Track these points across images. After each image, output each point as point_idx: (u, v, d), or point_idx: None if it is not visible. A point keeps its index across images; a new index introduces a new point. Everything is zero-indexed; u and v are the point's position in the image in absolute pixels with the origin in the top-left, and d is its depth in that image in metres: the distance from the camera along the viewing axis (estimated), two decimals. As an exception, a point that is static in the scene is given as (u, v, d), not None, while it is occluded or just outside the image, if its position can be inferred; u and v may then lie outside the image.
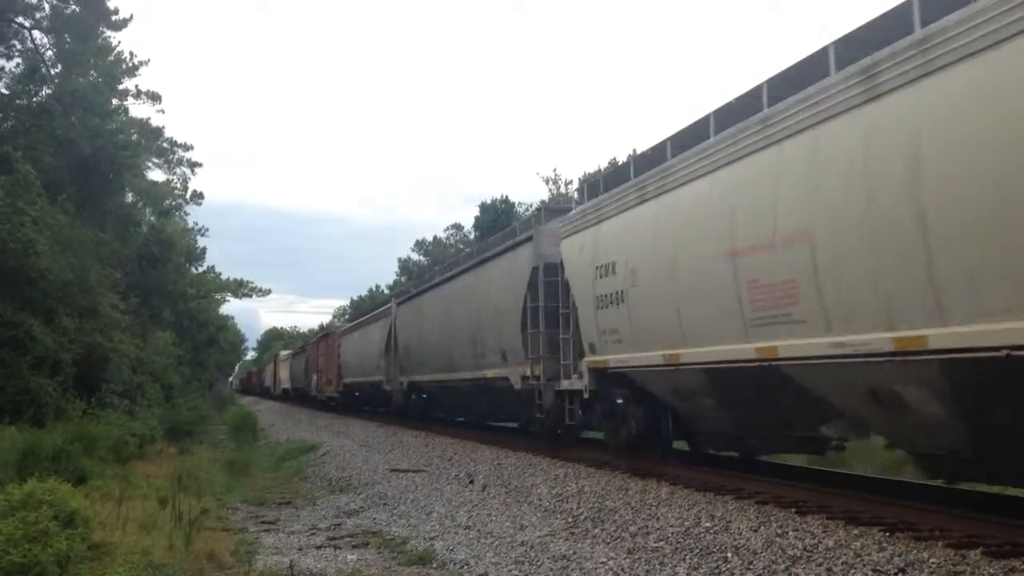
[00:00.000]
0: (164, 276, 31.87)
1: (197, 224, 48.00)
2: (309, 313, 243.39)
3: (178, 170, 40.95)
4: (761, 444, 10.67)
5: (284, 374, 60.37)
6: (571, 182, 44.27)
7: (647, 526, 8.31)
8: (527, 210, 43.86)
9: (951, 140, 6.11)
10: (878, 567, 5.95)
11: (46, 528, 6.51)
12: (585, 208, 12.70)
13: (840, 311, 7.23)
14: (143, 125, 35.91)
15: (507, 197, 48.15)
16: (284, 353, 65.74)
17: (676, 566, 6.98)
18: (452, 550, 8.39)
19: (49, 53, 27.41)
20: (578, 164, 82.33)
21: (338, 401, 36.91)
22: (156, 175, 40.43)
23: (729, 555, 6.96)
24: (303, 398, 49.08)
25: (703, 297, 9.17)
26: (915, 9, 6.64)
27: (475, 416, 22.37)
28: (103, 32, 28.77)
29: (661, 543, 7.70)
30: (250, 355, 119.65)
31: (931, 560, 5.89)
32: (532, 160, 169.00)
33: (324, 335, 43.25)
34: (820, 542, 6.71)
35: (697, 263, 9.26)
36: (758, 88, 8.70)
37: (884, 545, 6.39)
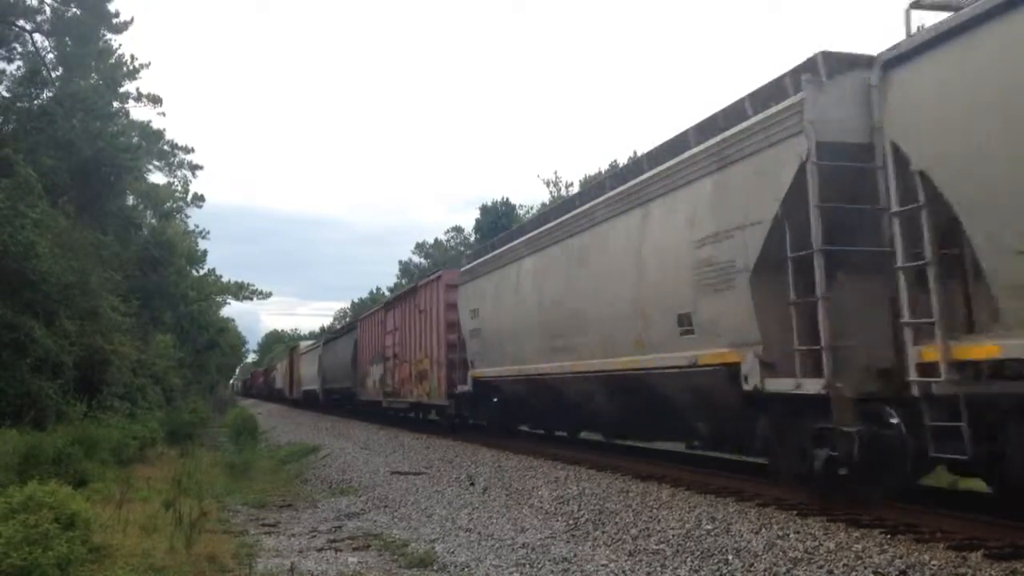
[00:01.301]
0: (165, 279, 31.93)
1: (198, 227, 48.11)
2: (309, 315, 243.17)
3: (179, 173, 41.09)
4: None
5: (308, 371, 45.24)
6: (572, 184, 44.30)
7: (648, 528, 8.31)
8: (528, 212, 43.82)
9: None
10: (879, 569, 5.95)
11: (47, 531, 6.51)
12: None
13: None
14: (144, 128, 36.00)
15: (508, 199, 48.21)
16: (306, 344, 52.46)
17: (677, 568, 6.97)
18: (453, 552, 8.38)
19: (50, 56, 27.56)
20: (579, 166, 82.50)
21: (452, 417, 19.61)
22: (157, 178, 40.55)
23: (730, 557, 6.95)
24: (340, 405, 35.57)
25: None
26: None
27: None
28: (104, 35, 28.92)
29: (662, 545, 7.70)
30: (251, 358, 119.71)
31: (932, 562, 5.88)
32: (533, 162, 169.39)
33: (407, 292, 24.25)
34: (821, 544, 6.71)
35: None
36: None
37: (885, 547, 6.38)
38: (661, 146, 10.80)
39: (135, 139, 33.29)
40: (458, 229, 60.68)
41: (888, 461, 7.36)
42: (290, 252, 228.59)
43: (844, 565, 6.16)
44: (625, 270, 11.02)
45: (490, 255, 17.26)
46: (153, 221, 38.29)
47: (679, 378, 9.93)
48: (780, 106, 8.28)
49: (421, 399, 21.55)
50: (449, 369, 19.14)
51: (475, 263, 18.19)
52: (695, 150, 9.61)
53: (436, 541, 9.03)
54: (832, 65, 7.92)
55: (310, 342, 53.00)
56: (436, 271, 22.78)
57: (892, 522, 7.16)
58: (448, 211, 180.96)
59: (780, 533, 7.20)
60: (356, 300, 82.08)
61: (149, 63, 39.17)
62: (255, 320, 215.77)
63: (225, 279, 61.87)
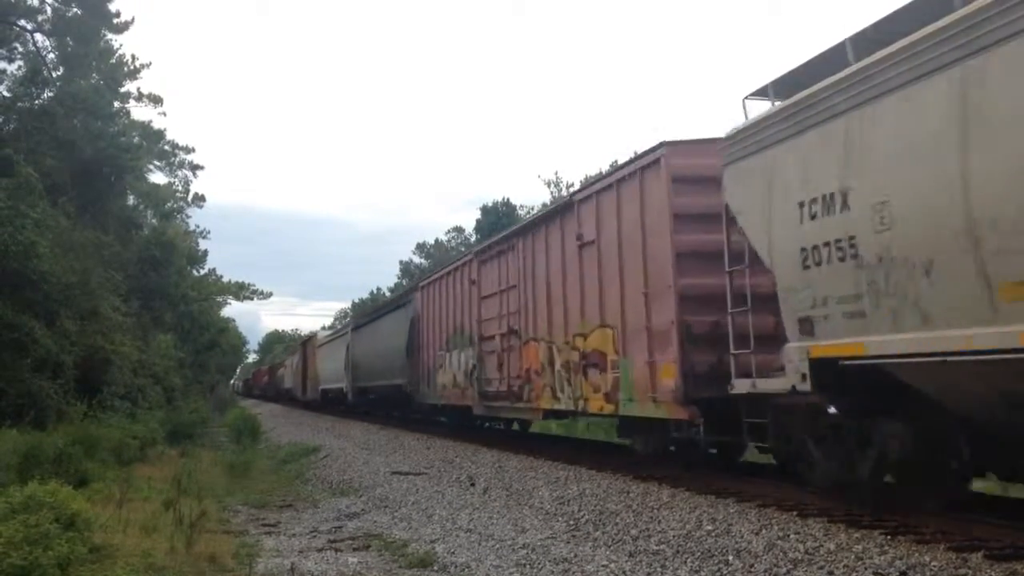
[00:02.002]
0: (165, 279, 31.97)
1: (198, 227, 48.21)
2: (310, 316, 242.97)
3: (179, 173, 41.25)
4: None
5: (329, 365, 36.64)
6: (572, 184, 44.30)
7: (648, 529, 8.30)
8: (528, 212, 43.82)
9: None
10: (879, 570, 5.94)
11: (47, 530, 6.51)
12: None
13: None
14: (144, 128, 36.08)
15: (508, 199, 48.19)
16: (325, 333, 44.17)
17: (677, 569, 6.97)
18: (453, 553, 8.38)
19: (51, 56, 27.60)
20: (579, 166, 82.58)
21: (698, 449, 10.64)
22: (157, 178, 40.69)
23: (730, 558, 6.95)
24: (383, 409, 28.60)
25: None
26: None
27: None
28: (105, 35, 28.94)
29: (662, 546, 7.69)
30: (251, 358, 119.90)
31: (932, 563, 5.88)
32: (533, 163, 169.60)
33: (544, 216, 14.47)
34: (821, 545, 6.70)
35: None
36: None
37: (885, 548, 6.38)
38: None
39: (136, 139, 33.38)
40: (458, 229, 60.90)
41: None
42: (290, 252, 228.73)
43: (844, 566, 6.15)
44: None
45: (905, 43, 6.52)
46: (154, 221, 38.43)
47: None
48: None
49: (584, 404, 12.34)
50: (685, 347, 9.94)
51: (815, 88, 7.56)
52: None
53: (436, 541, 9.03)
54: None
55: (328, 332, 44.16)
56: (651, 150, 10.62)
57: (892, 523, 7.15)
58: (448, 211, 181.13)
59: (780, 534, 7.20)
60: (356, 300, 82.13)
61: (150, 63, 39.32)
62: (255, 320, 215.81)
63: (225, 279, 61.98)
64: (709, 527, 7.88)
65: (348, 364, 31.29)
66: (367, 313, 35.48)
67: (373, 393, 28.22)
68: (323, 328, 62.71)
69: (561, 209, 13.35)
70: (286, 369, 56.72)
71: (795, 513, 7.92)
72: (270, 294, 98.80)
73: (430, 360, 20.85)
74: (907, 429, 7.22)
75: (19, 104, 23.36)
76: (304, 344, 47.27)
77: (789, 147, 7.90)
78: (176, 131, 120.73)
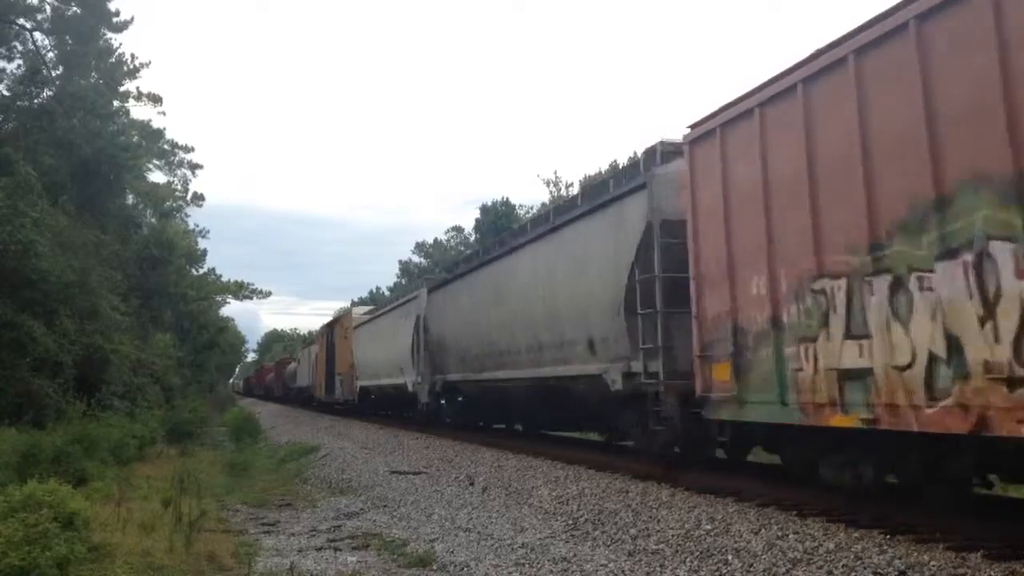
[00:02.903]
0: (164, 278, 31.99)
1: (198, 226, 48.18)
2: (310, 315, 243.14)
3: (179, 172, 41.26)
4: None
5: (378, 353, 25.86)
6: (572, 184, 44.29)
7: (647, 528, 8.30)
8: (527, 212, 43.76)
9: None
10: (879, 570, 5.95)
11: (46, 530, 6.50)
12: None
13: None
14: (144, 127, 36.11)
15: (508, 199, 48.21)
16: (361, 311, 31.83)
17: (676, 568, 6.97)
18: (452, 552, 8.38)
19: (50, 55, 27.61)
20: (579, 166, 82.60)
21: None
22: (157, 177, 40.68)
23: (730, 557, 6.95)
24: (494, 425, 19.24)
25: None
26: None
27: None
28: (104, 34, 28.96)
29: (661, 545, 7.69)
30: (250, 357, 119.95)
31: (931, 563, 5.88)
32: (533, 162, 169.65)
33: None
34: (821, 544, 6.71)
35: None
36: None
37: (885, 548, 6.38)
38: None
39: (135, 138, 33.40)
40: (458, 229, 60.95)
41: None
42: (290, 252, 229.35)
43: (844, 566, 6.15)
44: None
45: None
46: (153, 220, 38.41)
47: None
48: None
49: None
50: None
51: None
52: None
53: (435, 541, 9.03)
54: None
55: (364, 308, 33.40)
56: None
57: (892, 522, 7.15)
58: (448, 211, 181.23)
59: (780, 533, 7.20)
60: (355, 299, 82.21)
61: (149, 62, 39.46)
62: (255, 319, 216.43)
63: (225, 278, 61.90)
64: (708, 526, 7.88)
65: (418, 347, 20.75)
66: (469, 257, 21.13)
67: (465, 393, 18.18)
68: (354, 303, 51.13)
69: None
70: (300, 364, 46.49)
71: (794, 512, 7.92)
72: (269, 293, 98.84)
73: (756, 315, 8.40)
74: None
75: (18, 103, 23.35)
76: (330, 327, 34.31)
77: None
78: (176, 130, 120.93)
